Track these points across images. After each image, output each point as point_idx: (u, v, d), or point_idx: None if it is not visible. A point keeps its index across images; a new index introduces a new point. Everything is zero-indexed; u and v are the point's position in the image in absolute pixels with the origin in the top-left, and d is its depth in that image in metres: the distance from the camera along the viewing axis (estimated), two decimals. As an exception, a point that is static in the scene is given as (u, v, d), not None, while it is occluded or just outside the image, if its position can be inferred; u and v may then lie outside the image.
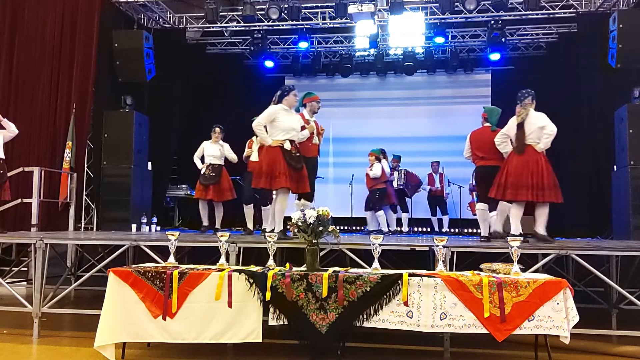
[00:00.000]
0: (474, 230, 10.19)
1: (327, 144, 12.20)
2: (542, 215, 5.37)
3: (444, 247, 4.41)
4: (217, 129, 7.56)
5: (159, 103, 9.59)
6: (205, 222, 7.59)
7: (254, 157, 6.74)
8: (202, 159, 7.58)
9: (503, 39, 9.80)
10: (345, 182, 10.74)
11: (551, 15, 9.44)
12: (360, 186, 10.72)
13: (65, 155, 8.16)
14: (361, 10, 8.64)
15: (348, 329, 4.03)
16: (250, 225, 7.46)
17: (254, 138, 7.08)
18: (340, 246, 4.98)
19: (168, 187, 10.24)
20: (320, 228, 4.23)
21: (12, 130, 6.57)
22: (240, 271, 4.20)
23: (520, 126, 5.30)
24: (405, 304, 3.93)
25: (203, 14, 9.68)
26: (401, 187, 9.72)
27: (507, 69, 11.29)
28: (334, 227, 4.37)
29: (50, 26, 8.61)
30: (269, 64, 11.44)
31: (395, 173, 9.77)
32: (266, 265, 4.40)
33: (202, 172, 7.46)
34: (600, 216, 8.49)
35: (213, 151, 7.52)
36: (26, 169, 7.61)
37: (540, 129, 5.25)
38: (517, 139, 5.32)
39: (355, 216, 10.58)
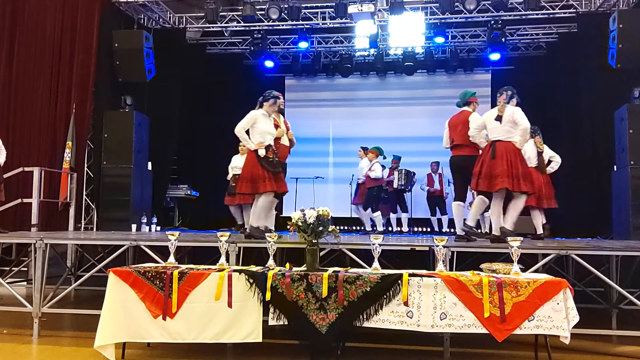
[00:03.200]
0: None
1: (327, 143, 12.22)
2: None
3: (444, 247, 4.41)
4: (281, 99, 5.82)
5: (159, 103, 9.59)
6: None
7: (285, 141, 6.07)
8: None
9: (503, 39, 9.80)
10: (345, 182, 10.73)
11: (551, 15, 9.45)
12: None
13: (65, 155, 8.16)
14: (361, 10, 8.64)
15: (348, 329, 4.03)
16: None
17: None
18: (340, 246, 4.98)
19: (168, 187, 10.24)
20: (320, 228, 4.23)
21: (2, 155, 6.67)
22: (240, 271, 4.20)
23: None
24: (405, 304, 3.93)
25: (203, 14, 9.69)
26: (401, 187, 9.71)
27: (507, 69, 11.29)
28: (334, 227, 4.37)
29: (50, 26, 8.61)
30: (269, 64, 11.46)
31: (395, 173, 9.76)
32: (266, 265, 4.39)
33: (266, 156, 5.47)
34: (600, 216, 8.48)
35: (273, 128, 5.64)
36: (26, 169, 7.60)
37: None
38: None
39: (356, 216, 10.56)
